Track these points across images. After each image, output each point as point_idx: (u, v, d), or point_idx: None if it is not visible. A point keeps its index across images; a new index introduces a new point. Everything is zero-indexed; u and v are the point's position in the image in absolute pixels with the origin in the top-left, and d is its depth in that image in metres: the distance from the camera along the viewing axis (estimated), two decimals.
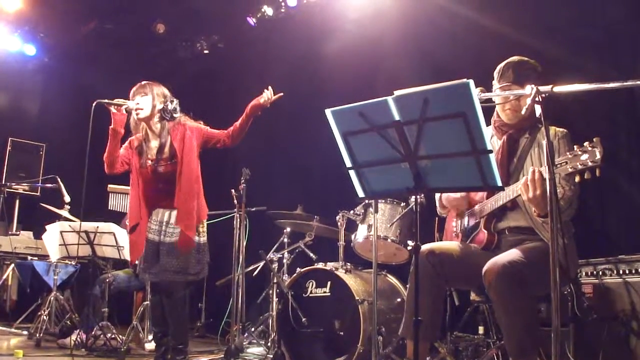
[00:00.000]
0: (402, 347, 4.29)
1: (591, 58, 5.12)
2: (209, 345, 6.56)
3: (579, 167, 2.79)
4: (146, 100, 4.50)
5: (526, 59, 3.60)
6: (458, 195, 3.71)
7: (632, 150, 4.94)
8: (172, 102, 4.54)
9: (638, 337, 3.93)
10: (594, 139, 2.77)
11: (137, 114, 4.49)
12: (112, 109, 4.44)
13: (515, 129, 3.59)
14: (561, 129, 3.48)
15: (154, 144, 4.53)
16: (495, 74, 3.63)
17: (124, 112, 4.44)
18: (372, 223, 4.48)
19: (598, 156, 2.73)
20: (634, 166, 4.93)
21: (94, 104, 4.38)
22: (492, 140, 3.69)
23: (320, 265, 5.07)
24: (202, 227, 4.53)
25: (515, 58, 3.60)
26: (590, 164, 2.75)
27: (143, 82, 4.59)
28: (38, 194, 8.18)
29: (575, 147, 2.84)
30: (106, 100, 4.42)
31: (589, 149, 2.77)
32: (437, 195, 3.93)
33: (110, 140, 4.48)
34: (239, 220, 5.34)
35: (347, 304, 4.71)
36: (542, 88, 2.72)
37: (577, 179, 2.86)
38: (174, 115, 4.52)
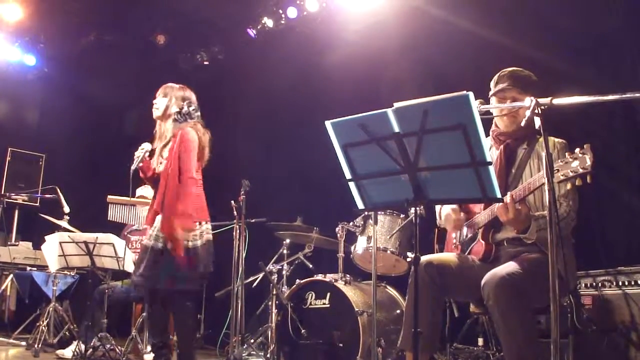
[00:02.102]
0: (402, 358, 4.29)
1: (590, 69, 5.14)
2: (208, 357, 6.56)
3: (570, 174, 2.80)
4: (162, 102, 4.56)
5: (520, 69, 3.63)
6: (454, 216, 3.71)
7: (631, 161, 4.95)
8: (189, 105, 4.56)
9: (638, 348, 3.93)
10: (585, 146, 2.78)
11: (153, 112, 4.58)
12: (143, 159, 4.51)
13: (513, 138, 3.61)
14: (560, 140, 3.49)
15: (161, 145, 4.55)
16: (492, 84, 3.66)
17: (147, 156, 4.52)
18: (372, 234, 4.48)
19: (588, 162, 2.74)
20: (634, 177, 4.94)
21: (131, 171, 4.45)
22: (491, 151, 3.70)
23: (319, 276, 5.07)
24: (198, 230, 4.39)
25: (510, 68, 3.64)
26: (580, 170, 2.77)
27: (168, 84, 4.65)
28: (37, 204, 8.17)
29: (567, 154, 2.85)
30: (138, 164, 4.46)
31: (580, 155, 2.79)
32: (437, 207, 3.94)
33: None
34: (238, 231, 5.35)
35: (346, 316, 4.70)
36: (542, 100, 2.73)
37: (568, 186, 2.89)
38: (188, 119, 4.53)
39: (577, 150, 2.81)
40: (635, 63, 5.02)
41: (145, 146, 4.52)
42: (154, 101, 4.59)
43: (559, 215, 3.24)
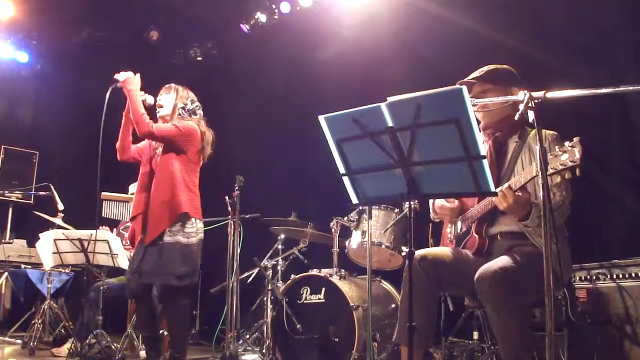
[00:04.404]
0: (397, 353, 4.29)
1: (584, 64, 5.14)
2: (204, 353, 6.55)
3: (559, 167, 2.82)
4: (168, 98, 4.57)
5: (495, 65, 3.65)
6: (448, 205, 3.73)
7: (624, 156, 4.96)
8: (192, 102, 4.60)
9: (632, 341, 3.94)
10: (574, 139, 2.81)
11: (157, 112, 4.58)
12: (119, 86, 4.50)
13: (498, 130, 3.61)
14: (551, 132, 3.49)
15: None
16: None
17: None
18: (366, 229, 4.48)
19: (577, 155, 2.76)
20: (627, 171, 4.95)
21: (111, 87, 4.44)
22: (482, 145, 3.70)
23: (314, 271, 5.08)
24: (192, 227, 4.43)
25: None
26: (570, 163, 2.79)
27: (169, 84, 4.67)
28: (31, 202, 8.15)
29: (556, 147, 2.87)
30: (115, 83, 4.47)
31: (569, 148, 2.81)
32: (431, 201, 3.94)
33: (122, 126, 4.54)
34: (233, 227, 5.34)
35: (341, 310, 4.71)
36: (535, 93, 2.73)
37: (558, 179, 2.90)
38: (193, 116, 4.55)
39: (567, 143, 2.83)
40: (629, 60, 5.02)
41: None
42: (158, 98, 4.60)
43: (555, 204, 3.25)
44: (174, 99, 4.57)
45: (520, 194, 3.20)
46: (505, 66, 3.66)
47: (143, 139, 4.54)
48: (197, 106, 4.62)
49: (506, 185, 3.22)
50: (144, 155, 4.61)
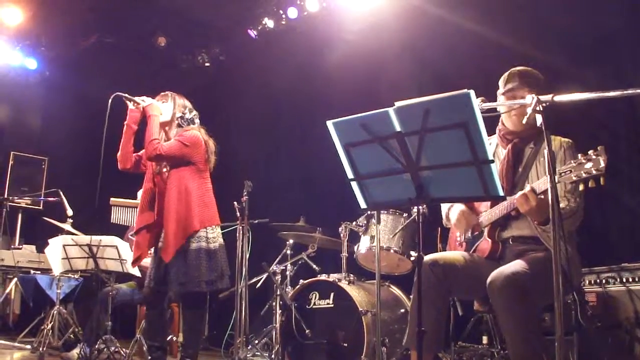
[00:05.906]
0: (406, 358, 4.29)
1: (591, 68, 5.13)
2: (213, 358, 6.57)
3: (583, 175, 2.78)
4: (167, 107, 4.59)
5: (530, 68, 3.61)
6: (465, 222, 3.69)
7: (632, 160, 4.94)
8: (190, 111, 4.62)
9: None
10: (599, 147, 2.76)
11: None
12: (130, 105, 4.53)
13: (520, 137, 3.59)
14: (567, 140, 3.48)
15: None
16: (500, 82, 3.64)
17: (141, 108, 4.51)
18: (375, 234, 4.48)
19: (602, 164, 2.72)
20: (635, 175, 4.93)
21: (112, 97, 4.43)
22: (497, 149, 3.70)
23: (323, 276, 5.07)
24: (212, 233, 4.49)
25: (519, 67, 3.62)
26: (594, 172, 2.75)
27: (166, 92, 4.68)
28: (40, 207, 8.18)
29: (579, 155, 2.83)
30: (125, 95, 4.49)
31: (594, 157, 2.76)
32: (444, 209, 3.92)
33: (124, 136, 4.57)
34: (241, 232, 5.34)
35: (350, 315, 4.70)
36: (543, 97, 2.73)
37: (581, 187, 2.86)
38: (192, 125, 4.57)
39: (591, 151, 2.78)
40: (636, 63, 5.00)
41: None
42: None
43: (570, 209, 3.24)
44: (172, 108, 4.59)
45: (542, 197, 3.17)
46: (530, 70, 3.62)
47: (152, 161, 4.54)
48: (195, 115, 4.64)
49: (528, 187, 3.20)
50: (147, 169, 4.63)
